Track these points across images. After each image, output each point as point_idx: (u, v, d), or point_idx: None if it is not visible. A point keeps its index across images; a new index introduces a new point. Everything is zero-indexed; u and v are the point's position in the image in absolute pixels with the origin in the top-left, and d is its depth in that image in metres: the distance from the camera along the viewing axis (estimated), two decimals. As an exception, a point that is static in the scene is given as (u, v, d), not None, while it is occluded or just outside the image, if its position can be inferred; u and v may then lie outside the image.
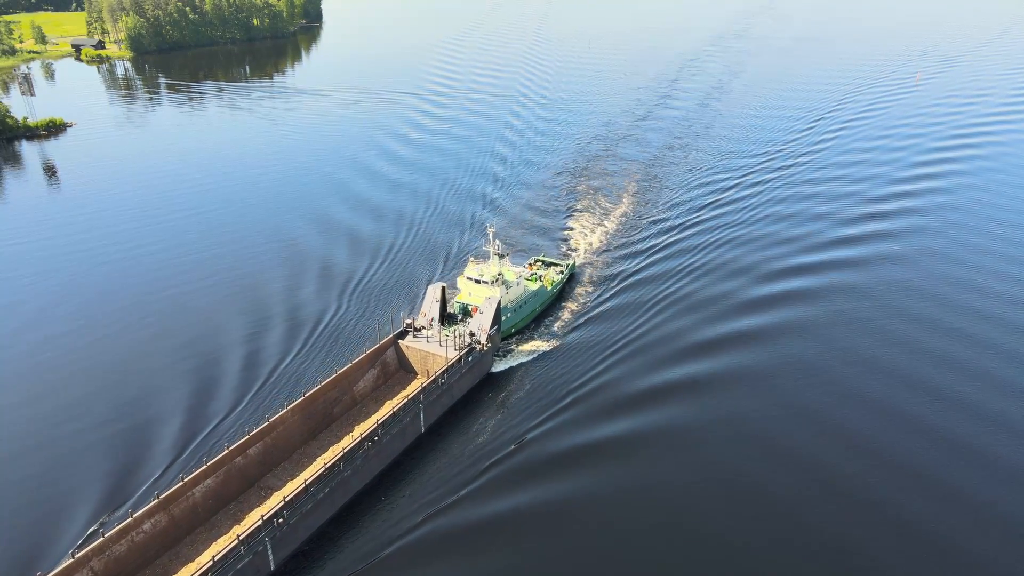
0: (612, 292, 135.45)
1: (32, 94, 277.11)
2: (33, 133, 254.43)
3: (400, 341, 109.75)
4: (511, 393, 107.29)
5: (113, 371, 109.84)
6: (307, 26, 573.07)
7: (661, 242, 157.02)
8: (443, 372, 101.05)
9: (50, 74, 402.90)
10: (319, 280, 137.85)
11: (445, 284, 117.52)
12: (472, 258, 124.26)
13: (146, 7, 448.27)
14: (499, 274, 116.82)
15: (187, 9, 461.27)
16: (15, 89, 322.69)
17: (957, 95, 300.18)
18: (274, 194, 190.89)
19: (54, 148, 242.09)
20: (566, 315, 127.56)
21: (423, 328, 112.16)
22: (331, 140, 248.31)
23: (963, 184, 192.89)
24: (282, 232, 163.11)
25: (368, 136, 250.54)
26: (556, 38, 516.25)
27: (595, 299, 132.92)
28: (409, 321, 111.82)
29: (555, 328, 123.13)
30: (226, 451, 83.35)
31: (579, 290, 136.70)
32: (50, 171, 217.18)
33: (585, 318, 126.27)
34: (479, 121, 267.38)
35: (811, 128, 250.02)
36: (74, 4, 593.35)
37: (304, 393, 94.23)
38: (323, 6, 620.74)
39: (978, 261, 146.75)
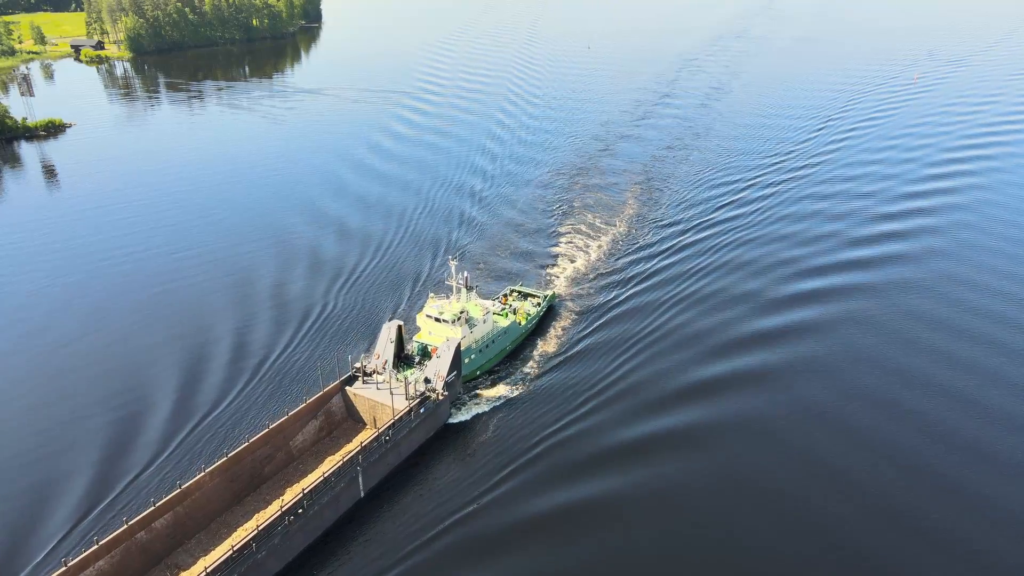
0: (594, 326, 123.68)
1: (31, 95, 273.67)
2: (32, 134, 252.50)
3: (347, 387, 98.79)
4: (469, 448, 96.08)
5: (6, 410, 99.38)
6: (307, 26, 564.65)
7: (651, 267, 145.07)
8: (388, 427, 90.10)
9: (49, 75, 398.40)
10: (272, 306, 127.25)
11: (402, 322, 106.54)
12: (432, 294, 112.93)
13: (145, 8, 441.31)
14: (462, 311, 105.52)
15: (186, 10, 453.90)
16: (14, 89, 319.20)
17: (960, 101, 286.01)
18: (246, 204, 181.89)
19: (53, 149, 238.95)
20: (540, 354, 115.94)
21: (375, 372, 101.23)
22: (314, 145, 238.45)
23: (957, 203, 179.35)
24: (241, 249, 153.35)
25: (352, 141, 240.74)
26: (553, 38, 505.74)
27: (574, 335, 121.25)
28: (358, 365, 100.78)
29: (525, 369, 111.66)
30: (124, 527, 72.80)
31: (558, 324, 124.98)
32: (49, 172, 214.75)
33: (561, 358, 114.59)
34: (463, 132, 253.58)
35: (812, 138, 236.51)
36: (73, 5, 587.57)
37: (227, 452, 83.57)
38: (322, 6, 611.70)
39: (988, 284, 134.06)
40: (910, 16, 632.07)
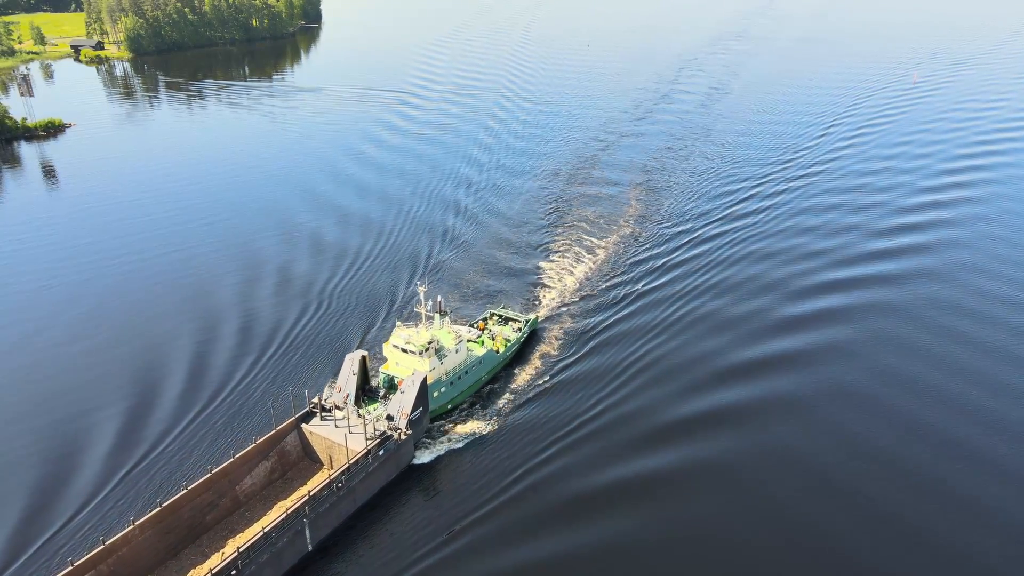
0: (580, 353, 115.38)
1: (31, 95, 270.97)
2: (32, 134, 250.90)
3: (304, 425, 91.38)
4: (434, 492, 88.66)
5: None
6: (306, 27, 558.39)
7: (644, 286, 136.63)
8: (342, 472, 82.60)
9: (49, 75, 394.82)
10: (235, 326, 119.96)
11: (366, 352, 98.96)
12: (399, 322, 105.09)
13: (145, 8, 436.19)
14: (431, 342, 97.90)
15: (186, 10, 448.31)
16: (14, 90, 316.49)
17: (964, 105, 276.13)
18: (228, 212, 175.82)
19: (53, 149, 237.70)
20: (518, 385, 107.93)
21: (335, 408, 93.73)
22: (302, 148, 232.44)
23: (972, 215, 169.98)
24: (210, 261, 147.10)
25: (341, 145, 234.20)
26: (552, 37, 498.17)
27: (557, 363, 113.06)
28: (315, 400, 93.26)
29: (501, 403, 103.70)
30: (36, 592, 65.89)
31: (540, 351, 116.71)
32: (48, 172, 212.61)
33: (541, 389, 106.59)
34: (456, 136, 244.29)
35: (813, 146, 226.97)
36: (73, 5, 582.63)
37: (161, 502, 76.32)
38: (322, 7, 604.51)
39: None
40: (912, 16, 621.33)
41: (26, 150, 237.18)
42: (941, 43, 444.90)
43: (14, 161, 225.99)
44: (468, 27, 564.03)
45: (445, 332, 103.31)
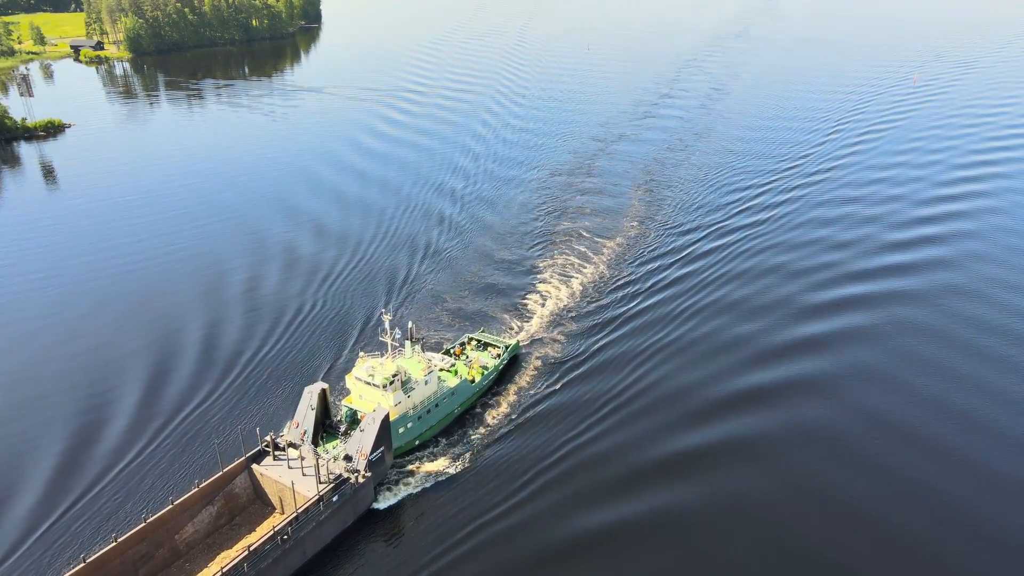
0: (562, 381, 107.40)
1: (30, 95, 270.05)
2: (31, 134, 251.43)
3: (255, 465, 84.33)
4: (395, 540, 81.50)
5: None
6: (306, 27, 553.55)
7: (636, 306, 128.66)
8: (288, 523, 75.45)
9: (49, 75, 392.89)
10: (196, 348, 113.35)
11: (326, 385, 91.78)
12: (363, 352, 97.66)
13: (145, 8, 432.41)
14: (396, 373, 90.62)
15: (186, 10, 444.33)
16: (14, 90, 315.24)
17: (967, 110, 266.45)
18: (210, 216, 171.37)
19: (52, 149, 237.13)
20: (493, 417, 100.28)
21: (290, 446, 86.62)
22: (291, 152, 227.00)
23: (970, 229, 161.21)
24: (181, 272, 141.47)
25: (327, 148, 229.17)
26: (552, 36, 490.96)
27: (538, 392, 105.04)
28: (268, 437, 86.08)
29: (473, 438, 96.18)
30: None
31: (520, 379, 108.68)
32: (48, 172, 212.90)
33: (518, 422, 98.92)
34: (448, 142, 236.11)
35: (812, 152, 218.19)
36: (73, 5, 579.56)
37: (85, 558, 69.45)
38: (322, 7, 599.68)
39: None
40: (913, 15, 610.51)
41: (26, 150, 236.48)
42: (942, 44, 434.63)
43: (14, 161, 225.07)
44: (466, 26, 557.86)
45: (414, 361, 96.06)
